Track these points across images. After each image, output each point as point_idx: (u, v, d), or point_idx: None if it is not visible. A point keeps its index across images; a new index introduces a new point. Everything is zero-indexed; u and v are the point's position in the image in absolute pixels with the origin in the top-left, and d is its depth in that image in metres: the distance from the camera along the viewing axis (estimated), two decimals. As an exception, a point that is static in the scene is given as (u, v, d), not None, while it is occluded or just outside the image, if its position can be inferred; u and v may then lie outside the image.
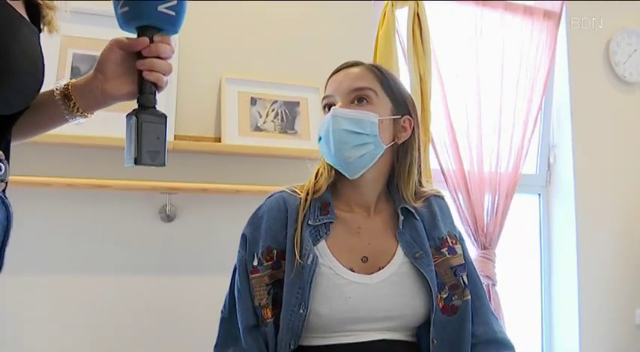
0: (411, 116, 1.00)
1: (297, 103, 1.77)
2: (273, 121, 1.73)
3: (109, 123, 1.51)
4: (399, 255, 0.95)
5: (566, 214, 2.28)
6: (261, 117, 1.71)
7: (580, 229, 2.23)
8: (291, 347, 0.89)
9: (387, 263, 0.93)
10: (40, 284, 1.48)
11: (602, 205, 2.30)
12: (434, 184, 1.85)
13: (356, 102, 0.96)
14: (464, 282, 0.96)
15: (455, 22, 2.08)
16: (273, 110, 1.74)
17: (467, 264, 0.99)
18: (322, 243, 0.93)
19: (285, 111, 1.75)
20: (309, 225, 0.94)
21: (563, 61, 2.29)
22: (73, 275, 1.51)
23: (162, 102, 1.56)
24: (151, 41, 0.71)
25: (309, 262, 0.89)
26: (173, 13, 0.71)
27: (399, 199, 0.99)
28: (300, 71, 1.80)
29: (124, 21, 0.71)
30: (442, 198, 1.06)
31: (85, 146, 1.48)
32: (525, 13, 2.18)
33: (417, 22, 1.78)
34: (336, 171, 0.99)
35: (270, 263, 0.93)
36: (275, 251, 0.93)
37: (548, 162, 2.36)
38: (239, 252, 0.97)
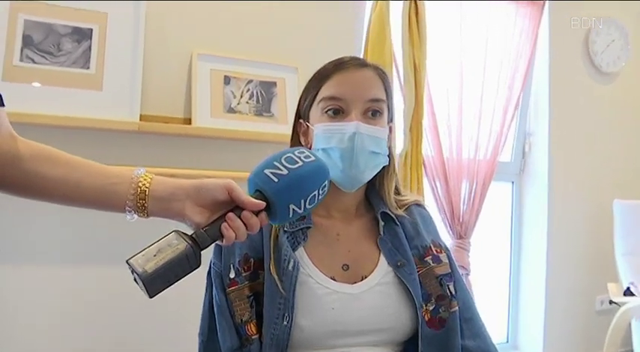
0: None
1: (274, 84, 1.65)
2: (247, 102, 1.61)
3: (65, 101, 1.37)
4: (383, 263, 0.88)
5: (538, 203, 2.29)
6: (235, 97, 1.59)
7: (551, 218, 2.25)
8: None
9: (371, 272, 0.87)
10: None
11: (574, 196, 2.31)
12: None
13: (370, 114, 0.87)
14: (450, 292, 0.89)
15: (440, 6, 2.00)
16: (248, 90, 1.62)
17: (454, 274, 0.93)
18: (300, 250, 0.86)
19: (260, 92, 1.63)
20: (286, 231, 0.86)
21: (544, 49, 2.26)
22: (14, 264, 1.39)
23: (127, 77, 1.44)
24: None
25: (290, 268, 0.82)
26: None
27: (378, 204, 0.93)
28: (278, 49, 1.68)
29: (262, 181, 0.66)
30: (424, 207, 0.99)
31: (41, 125, 1.33)
32: (510, -2, 2.12)
33: (414, 8, 1.67)
34: None
35: (248, 273, 0.85)
36: (252, 259, 0.85)
37: (523, 150, 2.35)
38: (213, 264, 0.87)
